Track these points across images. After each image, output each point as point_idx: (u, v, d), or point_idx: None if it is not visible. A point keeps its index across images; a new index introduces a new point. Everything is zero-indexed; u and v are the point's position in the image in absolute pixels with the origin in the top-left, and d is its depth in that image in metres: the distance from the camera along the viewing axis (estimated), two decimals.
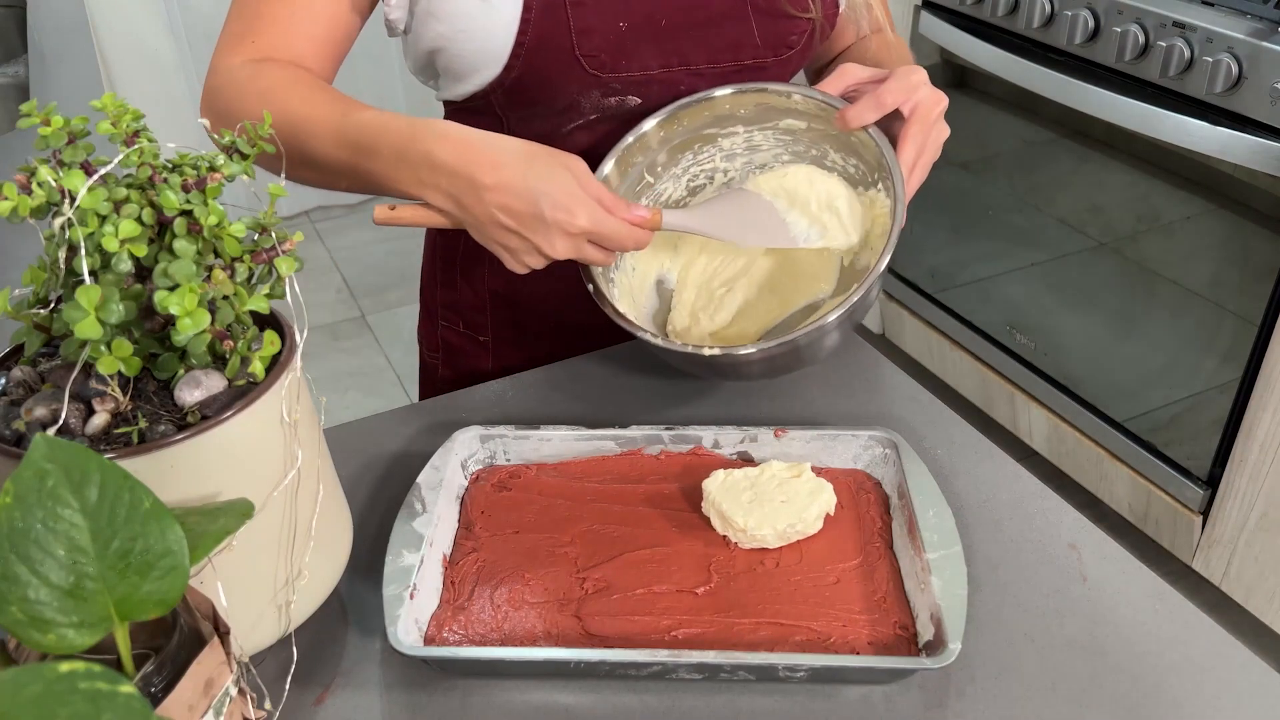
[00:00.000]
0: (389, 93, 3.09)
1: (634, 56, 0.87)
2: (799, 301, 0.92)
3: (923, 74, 0.81)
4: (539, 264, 0.77)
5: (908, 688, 0.63)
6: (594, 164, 0.93)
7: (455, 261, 1.03)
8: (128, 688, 0.35)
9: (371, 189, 0.80)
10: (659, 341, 0.78)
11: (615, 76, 0.87)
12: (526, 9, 0.83)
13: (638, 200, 0.91)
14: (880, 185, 0.86)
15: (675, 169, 0.92)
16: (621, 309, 0.81)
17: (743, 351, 0.76)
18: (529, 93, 0.88)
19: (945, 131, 0.83)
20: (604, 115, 0.90)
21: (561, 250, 0.75)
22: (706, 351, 0.76)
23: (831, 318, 0.75)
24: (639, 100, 0.89)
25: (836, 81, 0.83)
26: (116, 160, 0.55)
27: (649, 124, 0.89)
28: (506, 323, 1.04)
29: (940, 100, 0.82)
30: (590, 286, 0.82)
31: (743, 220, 0.85)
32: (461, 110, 0.95)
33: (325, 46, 0.87)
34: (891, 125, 0.82)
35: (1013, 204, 2.03)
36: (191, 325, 0.53)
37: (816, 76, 1.08)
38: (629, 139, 0.88)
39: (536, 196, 0.73)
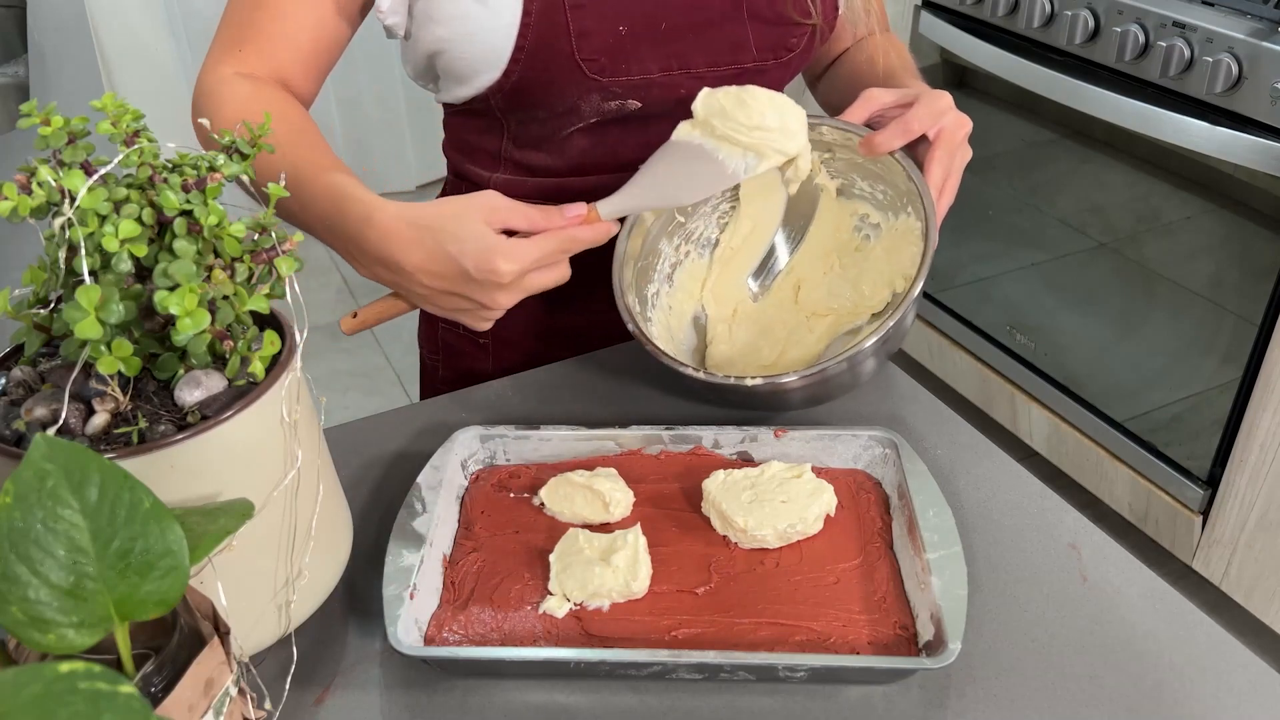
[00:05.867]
0: (389, 93, 3.09)
1: (634, 60, 0.87)
2: (839, 329, 0.92)
3: (948, 99, 0.81)
4: (496, 316, 0.77)
5: (908, 688, 0.63)
6: (595, 166, 0.93)
7: None
8: (128, 688, 0.35)
9: (290, 215, 0.81)
10: (701, 375, 0.78)
11: (615, 80, 0.87)
12: (526, 13, 0.82)
13: (669, 241, 0.92)
14: (909, 210, 0.86)
15: (704, 206, 0.93)
16: (661, 345, 0.81)
17: (784, 380, 0.76)
18: (529, 96, 0.88)
19: (968, 154, 0.83)
20: (604, 118, 0.90)
21: (505, 301, 0.74)
22: (749, 382, 0.76)
23: (869, 344, 0.75)
24: (639, 104, 0.89)
25: (861, 107, 0.83)
26: (116, 160, 0.55)
27: None
28: (506, 325, 1.04)
29: (965, 124, 0.82)
30: (631, 327, 0.82)
31: (677, 178, 0.81)
32: (462, 113, 0.95)
33: (310, 57, 0.88)
34: (916, 149, 0.83)
35: (1013, 204, 2.03)
36: (191, 325, 0.53)
37: (815, 80, 1.08)
38: None
39: (457, 261, 0.72)
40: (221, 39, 0.86)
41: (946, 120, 0.81)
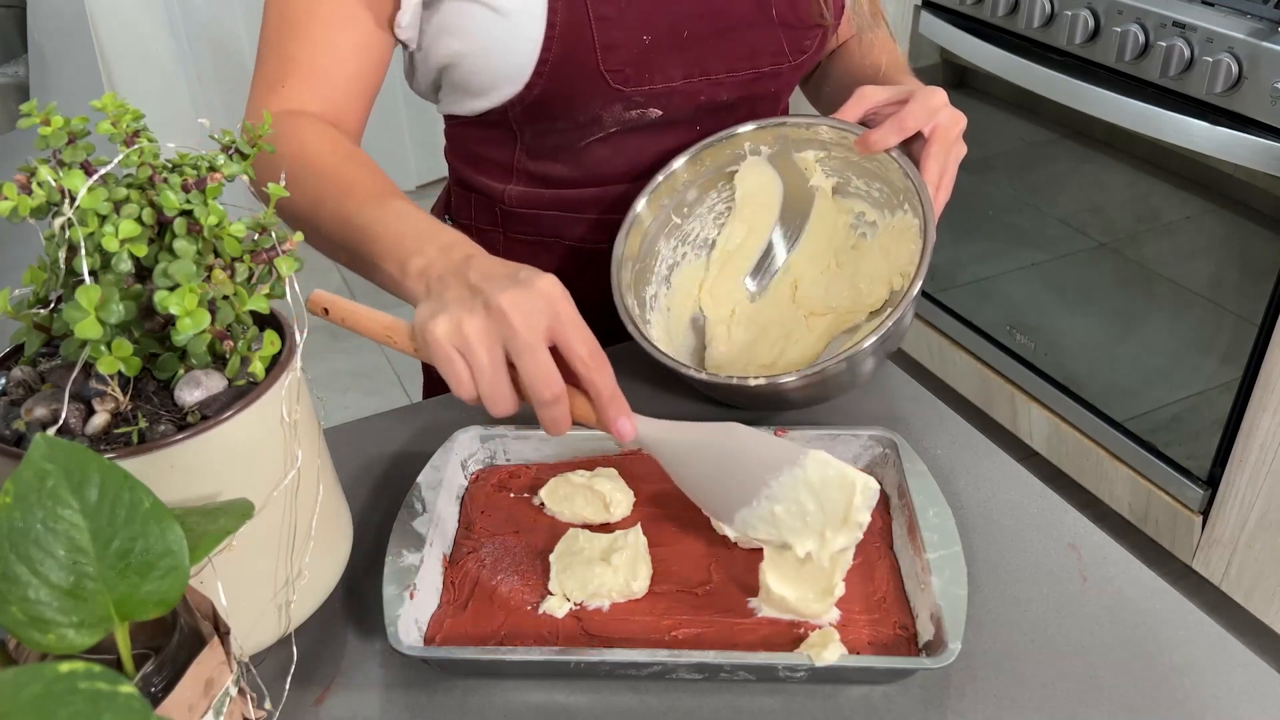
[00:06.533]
0: (388, 93, 3.09)
1: (657, 69, 0.86)
2: (838, 328, 0.92)
3: (943, 95, 0.81)
4: (480, 324, 0.61)
5: (908, 688, 0.63)
6: (613, 175, 0.93)
7: None
8: (128, 688, 0.35)
9: (361, 256, 0.73)
10: (701, 375, 0.78)
11: (639, 90, 0.87)
12: (550, 26, 0.81)
13: (667, 241, 0.92)
14: (906, 207, 0.86)
15: (700, 208, 0.93)
16: (662, 348, 0.81)
17: (784, 380, 0.76)
18: (550, 108, 0.87)
19: (963, 150, 0.83)
20: (624, 128, 0.90)
21: (509, 300, 0.60)
22: (751, 382, 0.76)
23: (868, 343, 0.75)
24: (660, 112, 0.89)
25: (855, 105, 0.83)
26: (116, 160, 0.55)
27: (678, 162, 0.89)
28: None
29: (959, 120, 0.82)
30: (630, 328, 0.82)
31: (714, 475, 0.66)
32: (470, 124, 0.93)
33: (356, 83, 0.84)
34: (911, 146, 0.83)
35: (1013, 204, 2.03)
36: (191, 325, 0.53)
37: (805, 78, 1.08)
38: (659, 178, 0.89)
39: (515, 266, 0.64)
40: (263, 77, 0.82)
41: (941, 117, 0.81)
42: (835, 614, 0.66)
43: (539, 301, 0.61)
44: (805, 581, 0.65)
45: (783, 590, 0.65)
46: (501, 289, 0.61)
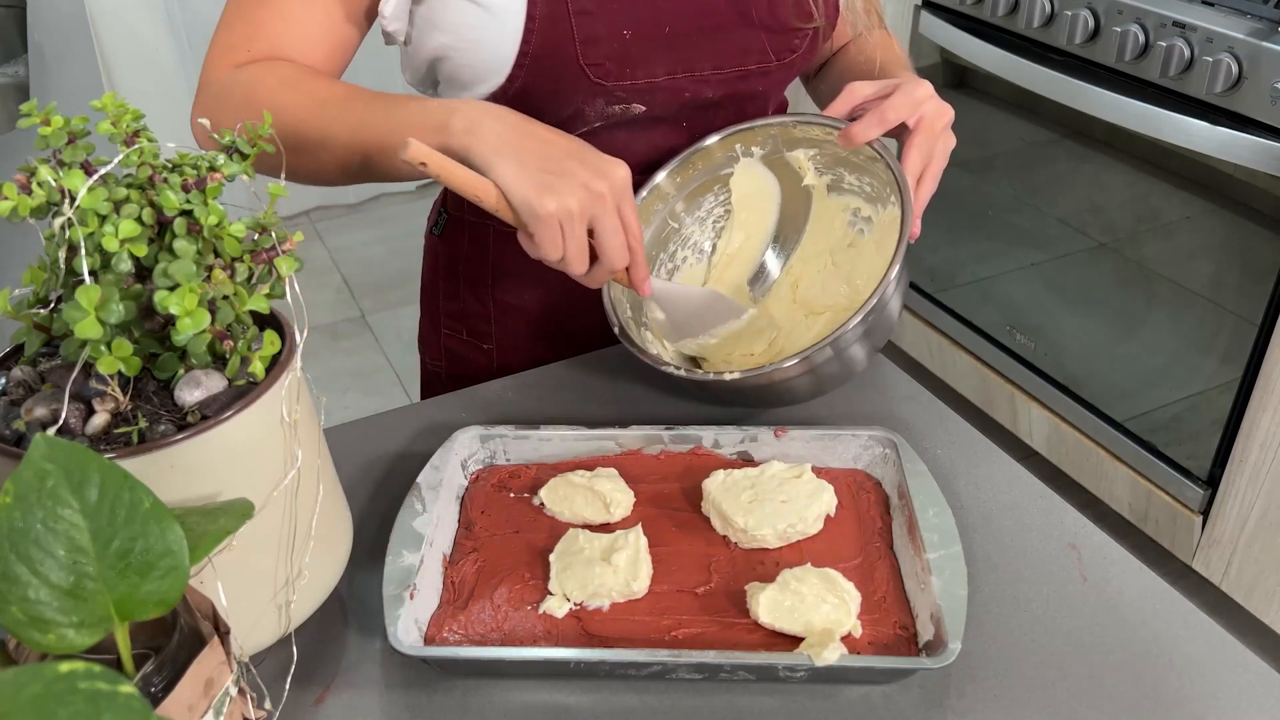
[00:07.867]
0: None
1: (639, 65, 0.86)
2: (836, 326, 0.92)
3: (928, 87, 0.81)
4: (572, 203, 0.72)
5: (908, 688, 0.63)
6: None
7: (458, 273, 1.02)
8: (128, 688, 0.35)
9: (374, 157, 0.76)
10: (681, 373, 0.79)
11: (620, 85, 0.87)
12: (530, 19, 0.82)
13: (664, 245, 0.93)
14: (893, 200, 0.86)
15: (699, 212, 0.93)
16: (654, 351, 0.81)
17: (764, 371, 0.76)
18: (533, 102, 0.87)
19: (952, 142, 0.83)
20: (609, 123, 0.90)
21: (606, 186, 0.73)
22: (727, 376, 0.76)
23: (850, 325, 0.75)
24: (644, 108, 0.89)
25: (843, 101, 0.83)
26: (116, 160, 0.55)
27: (660, 176, 0.89)
28: (510, 331, 1.03)
29: (946, 112, 0.82)
30: (616, 329, 0.83)
31: (699, 313, 0.88)
32: None
33: (324, 63, 0.85)
34: (900, 140, 0.83)
35: (1013, 204, 2.03)
36: (191, 325, 0.53)
37: (809, 77, 1.08)
38: (643, 193, 0.89)
39: (580, 146, 0.74)
40: (223, 42, 0.83)
41: (926, 109, 0.81)
42: (857, 625, 0.66)
43: (621, 188, 0.73)
44: (811, 603, 0.66)
45: (796, 621, 0.66)
46: (597, 173, 0.72)
